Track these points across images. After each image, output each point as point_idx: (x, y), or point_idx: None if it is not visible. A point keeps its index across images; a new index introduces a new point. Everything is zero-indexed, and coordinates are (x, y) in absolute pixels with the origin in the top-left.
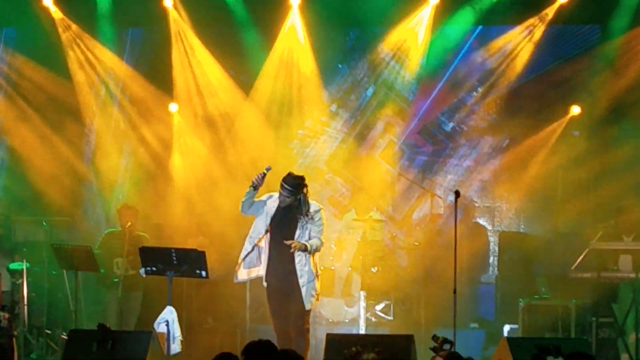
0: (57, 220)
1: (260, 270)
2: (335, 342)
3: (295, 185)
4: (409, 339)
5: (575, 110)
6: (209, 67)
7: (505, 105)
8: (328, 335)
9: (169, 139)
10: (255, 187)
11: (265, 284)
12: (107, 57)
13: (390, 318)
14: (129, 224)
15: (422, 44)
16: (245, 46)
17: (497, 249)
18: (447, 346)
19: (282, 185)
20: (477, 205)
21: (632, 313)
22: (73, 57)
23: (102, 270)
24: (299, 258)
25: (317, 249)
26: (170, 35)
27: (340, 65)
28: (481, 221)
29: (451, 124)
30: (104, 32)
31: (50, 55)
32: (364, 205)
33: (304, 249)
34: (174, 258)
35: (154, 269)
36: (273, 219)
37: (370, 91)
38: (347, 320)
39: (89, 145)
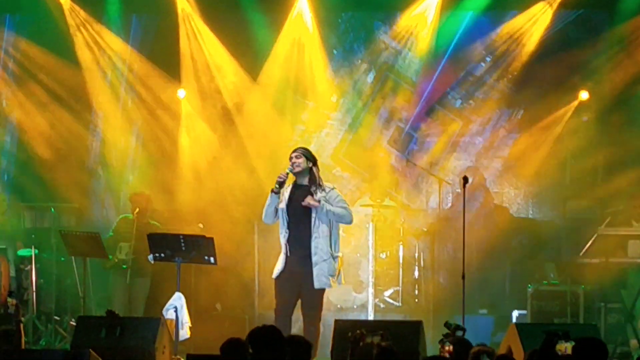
0: (65, 207)
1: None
2: (344, 328)
3: (306, 150)
4: (417, 325)
5: (584, 95)
6: (216, 53)
7: (516, 79)
8: (336, 321)
9: (176, 124)
10: (277, 192)
11: (275, 274)
12: (114, 42)
13: (399, 304)
14: (137, 210)
15: (430, 28)
16: (253, 31)
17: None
18: (459, 333)
19: (293, 153)
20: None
21: None
22: (81, 41)
23: (110, 257)
24: (315, 235)
25: (340, 215)
26: (177, 20)
27: (335, 51)
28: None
29: (459, 101)
30: (110, 17)
31: (57, 40)
32: (375, 193)
33: (317, 202)
34: (183, 244)
35: (162, 255)
36: (288, 204)
37: (370, 76)
38: (355, 307)
39: (96, 131)
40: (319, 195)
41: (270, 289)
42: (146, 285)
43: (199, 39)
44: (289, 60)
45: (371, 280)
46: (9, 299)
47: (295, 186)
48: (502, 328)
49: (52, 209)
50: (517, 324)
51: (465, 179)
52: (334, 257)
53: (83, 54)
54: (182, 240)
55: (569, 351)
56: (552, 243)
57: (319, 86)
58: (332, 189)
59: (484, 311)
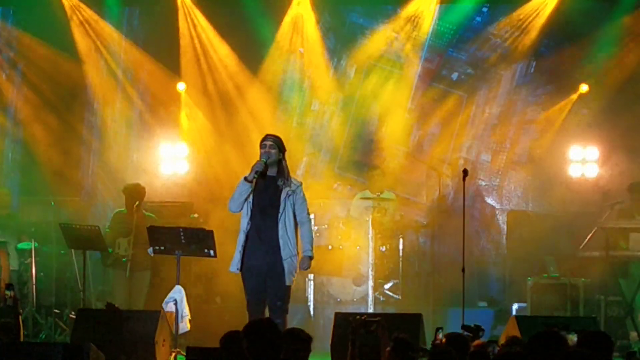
0: (65, 200)
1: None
2: (344, 321)
3: (278, 138)
4: (417, 318)
5: (584, 88)
6: (216, 45)
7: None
8: (337, 314)
9: (176, 117)
10: (252, 181)
11: (237, 267)
12: (112, 35)
13: (399, 297)
14: (137, 203)
15: (430, 17)
16: (253, 23)
17: (505, 227)
18: (481, 333)
19: (264, 140)
20: (484, 184)
21: None
22: (78, 36)
23: (110, 250)
24: (282, 232)
25: (311, 233)
26: (176, 12)
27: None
28: (489, 200)
29: (456, 74)
30: (109, 10)
31: (56, 34)
32: (376, 185)
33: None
34: (182, 237)
35: (162, 248)
36: (254, 194)
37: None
38: (355, 300)
39: (94, 125)
40: (286, 189)
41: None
42: (146, 279)
43: (199, 31)
44: (289, 53)
45: (371, 273)
46: (7, 292)
47: (262, 176)
48: (502, 321)
49: (52, 202)
50: (516, 317)
51: (465, 172)
52: (296, 254)
53: (82, 47)
54: (181, 234)
55: (569, 342)
56: (552, 236)
57: (319, 79)
58: (299, 185)
59: (484, 304)
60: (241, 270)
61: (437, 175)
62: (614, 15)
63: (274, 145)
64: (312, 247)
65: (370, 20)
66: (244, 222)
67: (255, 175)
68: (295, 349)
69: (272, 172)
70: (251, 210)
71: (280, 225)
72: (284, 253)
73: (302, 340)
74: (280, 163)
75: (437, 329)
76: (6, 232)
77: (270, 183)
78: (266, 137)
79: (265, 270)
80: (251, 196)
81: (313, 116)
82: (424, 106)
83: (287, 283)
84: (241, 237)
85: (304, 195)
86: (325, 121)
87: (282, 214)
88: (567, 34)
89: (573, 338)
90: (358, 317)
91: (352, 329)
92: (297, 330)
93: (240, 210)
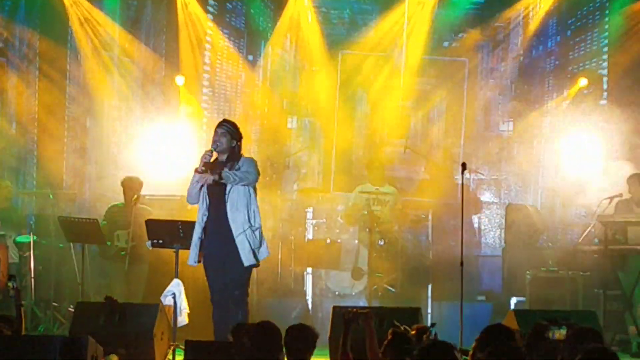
0: (63, 193)
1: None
2: (342, 315)
3: (232, 125)
4: (416, 312)
5: (583, 82)
6: (214, 38)
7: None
8: (335, 308)
9: (174, 110)
10: (201, 172)
11: (194, 260)
12: (108, 25)
13: (397, 291)
14: (135, 196)
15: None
16: (252, 15)
17: (503, 221)
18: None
19: (218, 126)
20: (483, 178)
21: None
22: (78, 29)
23: (108, 243)
24: (230, 207)
25: (241, 178)
26: (175, 6)
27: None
28: (488, 194)
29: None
30: (109, 5)
31: (53, 26)
32: (375, 180)
33: (217, 176)
34: (181, 230)
35: (160, 241)
36: (208, 185)
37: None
38: (353, 293)
39: (90, 115)
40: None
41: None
42: (144, 272)
43: (197, 25)
44: (288, 45)
45: (369, 267)
46: (9, 283)
47: (216, 164)
48: (501, 315)
49: (51, 195)
50: (515, 311)
51: (464, 166)
52: (253, 229)
53: (80, 38)
54: (180, 227)
55: (559, 337)
56: (550, 229)
57: (318, 71)
58: (248, 160)
59: (482, 298)
60: (203, 262)
61: (436, 168)
62: None
63: (226, 133)
64: (232, 176)
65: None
66: (199, 214)
67: (204, 168)
68: (299, 345)
69: (223, 157)
70: (206, 201)
71: (228, 206)
72: (234, 232)
73: (306, 336)
74: (232, 149)
75: (431, 325)
76: (7, 225)
77: (218, 170)
78: (220, 124)
79: (224, 259)
80: (205, 187)
81: (311, 107)
82: (420, 98)
83: (245, 263)
84: (197, 229)
85: (246, 161)
86: (324, 112)
87: (228, 194)
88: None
89: (563, 332)
90: (350, 309)
91: (345, 322)
92: (300, 325)
93: (197, 203)
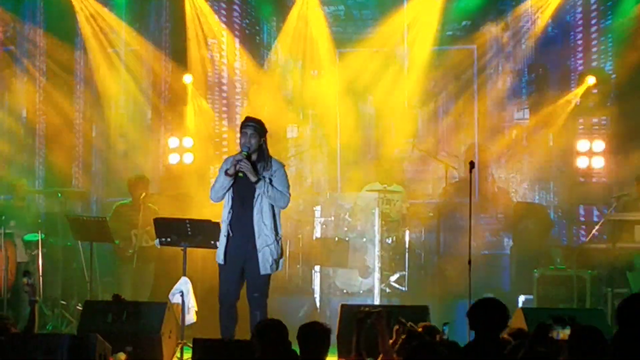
0: (71, 192)
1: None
2: (350, 313)
3: (258, 121)
4: (424, 310)
5: (591, 80)
6: (222, 37)
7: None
8: (342, 306)
9: (181, 109)
10: (232, 175)
11: (222, 258)
12: (117, 24)
13: (405, 289)
14: (143, 195)
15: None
16: (260, 15)
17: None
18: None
19: (244, 127)
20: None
21: None
22: (86, 28)
23: (117, 242)
24: (257, 218)
25: (275, 198)
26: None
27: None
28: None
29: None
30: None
31: (60, 24)
32: (385, 177)
33: (257, 178)
34: (189, 229)
35: (168, 239)
36: (234, 183)
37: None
38: (361, 292)
39: (98, 113)
40: (264, 173)
41: (278, 273)
42: (152, 271)
43: (204, 21)
44: (296, 44)
45: (377, 265)
46: (24, 279)
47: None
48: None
49: (59, 194)
50: (523, 309)
51: (472, 164)
52: (278, 240)
53: (88, 37)
54: (188, 225)
55: (563, 336)
56: (558, 228)
57: (325, 68)
58: (281, 166)
59: (490, 296)
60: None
61: (444, 167)
62: None
63: (255, 134)
64: (267, 191)
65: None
66: (225, 212)
67: (240, 175)
68: (313, 343)
69: (252, 156)
70: (232, 200)
71: (255, 211)
72: (258, 242)
73: (319, 334)
74: (260, 148)
75: (444, 324)
76: (21, 224)
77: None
78: (246, 124)
79: (243, 260)
80: (231, 190)
81: (320, 105)
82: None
83: (262, 272)
84: (224, 228)
85: (283, 174)
86: (332, 111)
87: (256, 199)
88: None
89: (567, 332)
90: (362, 309)
91: (356, 321)
92: (314, 323)
93: (222, 200)
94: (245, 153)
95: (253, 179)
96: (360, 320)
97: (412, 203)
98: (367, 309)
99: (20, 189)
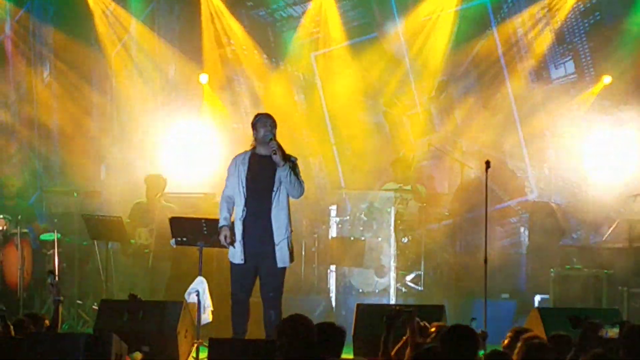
0: (87, 191)
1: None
2: (365, 312)
3: (271, 118)
4: (440, 310)
5: (607, 80)
6: (238, 36)
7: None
8: (358, 305)
9: (198, 109)
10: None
11: (241, 258)
12: (135, 27)
13: (421, 288)
14: (159, 194)
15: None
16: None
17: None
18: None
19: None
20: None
21: None
22: (100, 24)
23: (132, 241)
24: (276, 211)
25: (294, 185)
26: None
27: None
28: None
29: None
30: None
31: (77, 24)
32: (402, 176)
33: (285, 161)
34: (205, 228)
35: (184, 239)
36: (248, 178)
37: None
38: (377, 291)
39: (115, 115)
40: (286, 165)
41: (293, 272)
42: (167, 269)
43: (220, 21)
44: (311, 44)
45: (393, 264)
46: (48, 279)
47: (255, 157)
48: (524, 313)
49: (75, 194)
50: (539, 309)
51: (488, 164)
52: (291, 232)
53: (103, 37)
54: (204, 225)
55: (613, 335)
56: (574, 227)
57: (339, 68)
58: (294, 159)
59: (506, 295)
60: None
61: (459, 166)
62: None
63: (274, 126)
64: (292, 176)
65: None
66: (239, 210)
67: (274, 152)
68: (329, 343)
69: (266, 150)
70: (245, 197)
71: (274, 204)
72: (276, 236)
73: (335, 334)
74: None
75: (472, 319)
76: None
77: (265, 164)
78: (260, 119)
79: (259, 256)
80: (244, 181)
81: (336, 105)
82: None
83: (280, 265)
84: (237, 225)
85: (297, 166)
86: (345, 111)
87: (276, 192)
88: None
89: (616, 331)
90: (394, 307)
91: (387, 321)
92: (329, 324)
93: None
94: (270, 137)
95: (281, 162)
96: (390, 319)
97: (428, 202)
98: (398, 307)
99: (11, 188)
